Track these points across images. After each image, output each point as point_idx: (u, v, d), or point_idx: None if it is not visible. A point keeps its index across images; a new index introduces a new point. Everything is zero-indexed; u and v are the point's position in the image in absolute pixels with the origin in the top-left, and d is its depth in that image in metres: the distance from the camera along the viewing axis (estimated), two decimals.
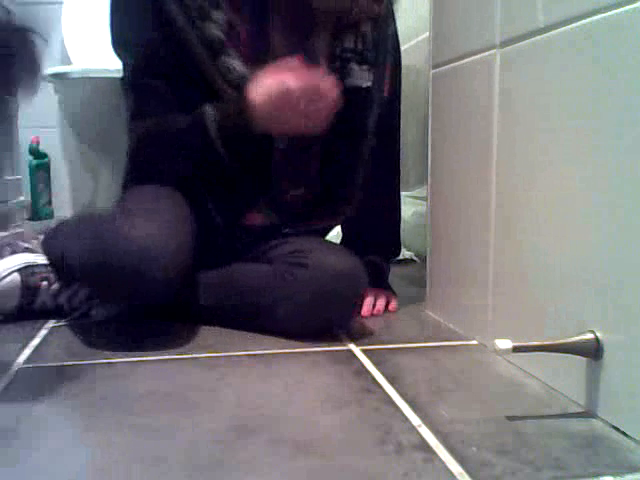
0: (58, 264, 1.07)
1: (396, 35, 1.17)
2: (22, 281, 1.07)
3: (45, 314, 1.09)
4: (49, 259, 1.11)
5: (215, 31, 1.02)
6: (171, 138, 1.07)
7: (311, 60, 1.06)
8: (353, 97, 1.08)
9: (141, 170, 1.14)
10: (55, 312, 1.09)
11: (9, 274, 1.07)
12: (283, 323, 0.98)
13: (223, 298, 1.04)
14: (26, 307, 1.08)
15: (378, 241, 1.22)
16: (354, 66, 1.09)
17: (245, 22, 1.05)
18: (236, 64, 1.03)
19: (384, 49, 1.12)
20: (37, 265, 1.10)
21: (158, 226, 0.93)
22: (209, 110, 1.00)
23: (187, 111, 1.03)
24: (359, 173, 1.13)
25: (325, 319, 0.98)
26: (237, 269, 1.07)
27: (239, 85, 1.01)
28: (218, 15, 1.02)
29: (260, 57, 1.04)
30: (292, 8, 1.07)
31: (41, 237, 1.18)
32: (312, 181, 1.14)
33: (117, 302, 0.92)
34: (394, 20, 1.16)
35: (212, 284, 1.05)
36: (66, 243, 1.05)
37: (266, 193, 1.12)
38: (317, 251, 1.01)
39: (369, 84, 1.10)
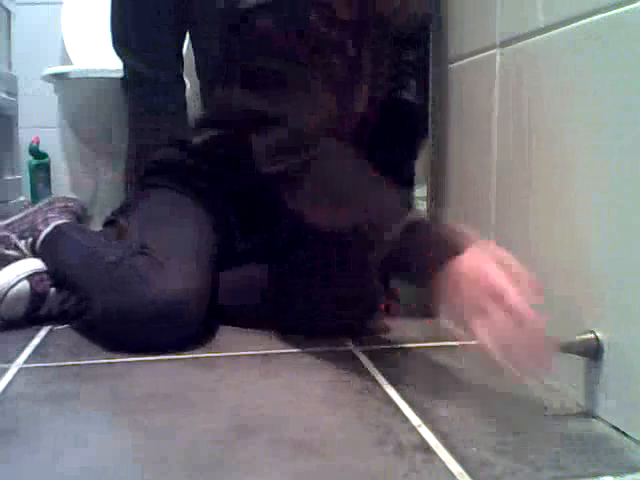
0: (63, 280, 1.07)
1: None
2: (31, 288, 1.05)
3: (50, 320, 1.06)
4: (51, 272, 1.08)
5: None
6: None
7: (373, 68, 1.03)
8: (406, 111, 1.09)
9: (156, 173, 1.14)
10: (60, 318, 1.06)
11: (19, 281, 1.04)
12: (301, 323, 0.99)
13: (241, 297, 1.05)
14: (32, 314, 1.06)
15: None
16: (412, 82, 1.09)
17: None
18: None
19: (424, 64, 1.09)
20: (45, 272, 1.08)
21: (182, 281, 0.91)
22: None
23: None
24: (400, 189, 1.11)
25: (345, 322, 1.00)
26: (255, 270, 1.08)
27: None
28: None
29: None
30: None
31: (8, 221, 1.15)
32: None
33: (132, 346, 0.92)
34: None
35: (230, 284, 1.05)
36: (75, 269, 1.04)
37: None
38: (338, 256, 1.01)
39: (421, 102, 1.09)
